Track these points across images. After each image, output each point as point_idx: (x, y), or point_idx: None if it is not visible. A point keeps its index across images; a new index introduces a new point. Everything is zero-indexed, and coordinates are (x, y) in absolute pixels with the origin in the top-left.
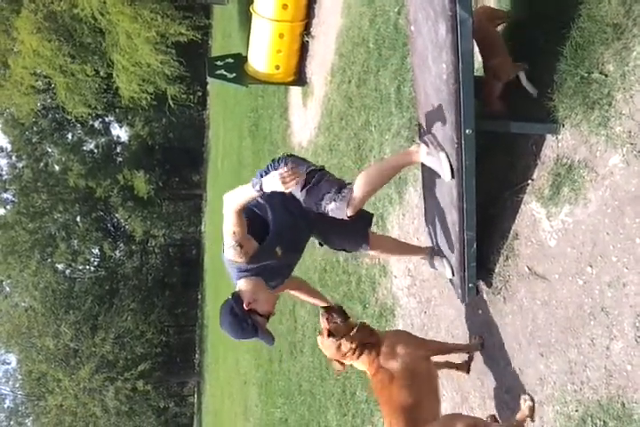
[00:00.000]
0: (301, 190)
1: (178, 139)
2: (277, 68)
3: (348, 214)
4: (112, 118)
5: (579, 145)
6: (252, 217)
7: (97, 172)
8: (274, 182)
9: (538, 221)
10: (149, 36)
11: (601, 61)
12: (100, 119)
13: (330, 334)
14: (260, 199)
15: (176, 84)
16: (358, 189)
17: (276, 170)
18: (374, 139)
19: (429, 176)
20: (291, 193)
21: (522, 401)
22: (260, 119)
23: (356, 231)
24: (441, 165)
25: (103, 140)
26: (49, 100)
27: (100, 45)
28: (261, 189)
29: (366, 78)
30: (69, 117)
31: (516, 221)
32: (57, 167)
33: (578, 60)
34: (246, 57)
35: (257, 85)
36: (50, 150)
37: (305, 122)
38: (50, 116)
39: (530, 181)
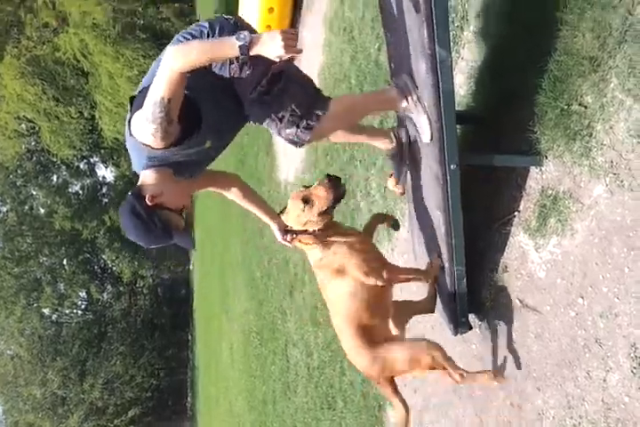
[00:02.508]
0: (257, 95)
1: None
2: None
3: (301, 147)
4: (97, 159)
5: (562, 176)
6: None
7: (83, 213)
8: (271, 44)
9: (526, 253)
10: (131, 76)
11: (579, 93)
12: (85, 160)
13: (305, 200)
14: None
15: None
16: (328, 123)
17: (216, 34)
18: (360, 174)
19: (418, 211)
20: (222, 78)
21: None
22: (245, 156)
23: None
24: (421, 126)
25: (89, 181)
26: (33, 143)
27: (83, 87)
28: (247, 51)
29: None
30: (54, 159)
31: (505, 253)
32: (42, 210)
33: (557, 93)
34: None
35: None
36: (34, 193)
37: (290, 158)
38: (34, 158)
39: (516, 213)
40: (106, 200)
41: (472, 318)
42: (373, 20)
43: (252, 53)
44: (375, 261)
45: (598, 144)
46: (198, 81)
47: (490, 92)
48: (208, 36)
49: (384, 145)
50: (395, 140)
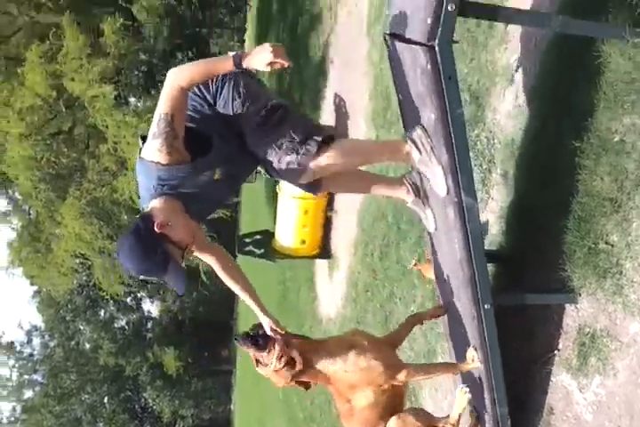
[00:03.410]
0: (256, 124)
1: (208, 313)
2: (303, 242)
3: (303, 181)
4: (144, 294)
5: (598, 313)
6: (187, 127)
7: (127, 349)
8: (261, 54)
9: (570, 394)
10: None
11: (605, 233)
12: (132, 295)
13: (257, 362)
14: (199, 108)
15: None
16: (330, 154)
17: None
18: (400, 311)
19: (457, 348)
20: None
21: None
22: (287, 291)
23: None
24: (435, 176)
25: (134, 316)
26: (84, 279)
27: None
28: (240, 63)
29: (387, 251)
30: (103, 294)
31: (549, 394)
32: (88, 345)
33: (583, 232)
34: (273, 233)
35: (284, 260)
36: (82, 328)
37: (332, 294)
38: (84, 293)
39: (556, 352)
40: (150, 335)
41: None
42: None
43: (244, 63)
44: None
45: (629, 282)
46: (207, 122)
47: (519, 232)
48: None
49: (400, 194)
50: (409, 186)
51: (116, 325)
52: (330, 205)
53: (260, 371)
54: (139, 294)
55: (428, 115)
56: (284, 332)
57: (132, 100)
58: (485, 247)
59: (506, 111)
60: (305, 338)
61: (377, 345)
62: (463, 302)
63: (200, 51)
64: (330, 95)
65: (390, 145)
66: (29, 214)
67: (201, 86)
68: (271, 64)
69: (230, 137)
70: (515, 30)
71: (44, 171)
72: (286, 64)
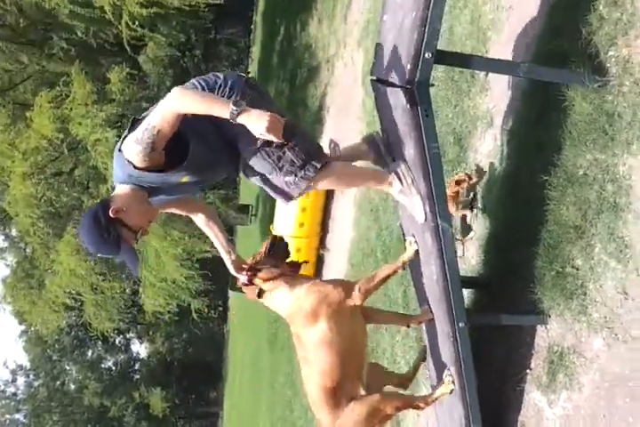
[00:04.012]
0: (258, 146)
1: (197, 354)
2: None
3: (298, 195)
4: (133, 335)
5: (565, 332)
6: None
7: (113, 390)
8: (257, 122)
9: (541, 410)
10: (176, 253)
11: (571, 257)
12: (121, 335)
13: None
14: (195, 118)
15: (200, 298)
16: (325, 178)
17: (223, 90)
18: (386, 341)
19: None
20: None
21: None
22: (279, 329)
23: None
24: (414, 207)
25: (122, 357)
26: (74, 318)
27: None
28: (236, 117)
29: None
30: (92, 334)
31: (522, 411)
32: (73, 386)
33: (552, 258)
34: None
35: None
36: (68, 368)
37: None
38: (73, 333)
39: (528, 371)
40: (137, 376)
41: None
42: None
43: (238, 121)
44: (342, 282)
45: (592, 301)
46: (200, 123)
47: (496, 259)
48: (220, 87)
49: (385, 187)
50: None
51: (103, 365)
52: (322, 243)
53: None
54: (127, 335)
55: (409, 150)
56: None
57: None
58: (466, 274)
59: (486, 151)
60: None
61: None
62: (439, 320)
63: None
64: (326, 140)
65: (376, 174)
66: (25, 251)
67: (206, 90)
68: (262, 135)
69: (215, 146)
70: (494, 79)
71: (43, 209)
72: (275, 140)
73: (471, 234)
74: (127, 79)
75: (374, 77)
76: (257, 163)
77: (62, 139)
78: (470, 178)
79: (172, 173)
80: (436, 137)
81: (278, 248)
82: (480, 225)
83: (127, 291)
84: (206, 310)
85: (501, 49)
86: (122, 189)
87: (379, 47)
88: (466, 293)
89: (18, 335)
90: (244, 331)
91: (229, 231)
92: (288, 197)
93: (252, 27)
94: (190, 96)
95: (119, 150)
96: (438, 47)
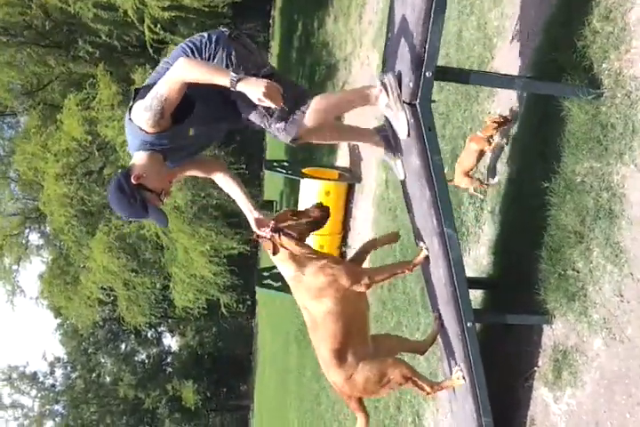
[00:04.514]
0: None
1: (227, 348)
2: None
3: (292, 139)
4: (164, 328)
5: (569, 332)
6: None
7: (146, 382)
8: (255, 89)
9: (548, 406)
10: (204, 250)
11: (572, 260)
12: (153, 329)
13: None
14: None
15: (228, 293)
16: (312, 115)
17: (209, 47)
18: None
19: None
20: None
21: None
22: (304, 325)
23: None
24: (398, 120)
25: (155, 350)
26: (107, 312)
27: (159, 260)
28: (235, 85)
29: (395, 283)
30: (125, 328)
31: (530, 407)
32: (108, 378)
33: (554, 260)
34: None
35: None
36: (103, 361)
37: None
38: (106, 326)
39: (536, 368)
40: (170, 369)
41: None
42: None
43: (237, 88)
44: (353, 270)
45: (592, 303)
46: (195, 87)
47: (504, 261)
48: (206, 45)
49: (372, 143)
50: (382, 137)
51: (136, 358)
52: (344, 241)
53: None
54: (159, 329)
55: (414, 160)
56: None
57: None
58: (477, 275)
59: (494, 156)
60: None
61: (338, 258)
62: (449, 320)
63: None
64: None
65: (360, 91)
66: (60, 248)
67: (195, 54)
68: (260, 101)
69: (217, 102)
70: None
71: (76, 208)
72: (272, 106)
73: (496, 179)
74: None
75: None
76: (250, 113)
77: (91, 140)
78: (507, 120)
79: (178, 127)
80: (438, 149)
81: (313, 222)
82: (490, 227)
83: (158, 286)
84: (235, 305)
85: (506, 56)
86: (138, 157)
87: (384, 63)
88: (477, 293)
89: (54, 329)
90: (272, 325)
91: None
92: (283, 139)
93: (271, 22)
94: (195, 67)
95: (129, 119)
96: (449, 52)
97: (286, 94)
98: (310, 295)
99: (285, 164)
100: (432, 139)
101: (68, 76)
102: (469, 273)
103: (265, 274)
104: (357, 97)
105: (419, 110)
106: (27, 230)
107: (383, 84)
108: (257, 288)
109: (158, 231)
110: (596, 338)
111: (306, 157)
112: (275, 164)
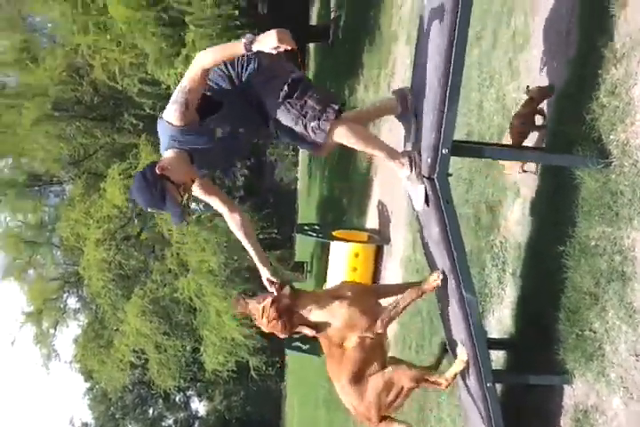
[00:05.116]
0: (281, 99)
1: (255, 412)
2: None
3: (324, 141)
4: (193, 392)
5: (588, 391)
6: (205, 95)
7: None
8: (268, 40)
9: None
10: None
11: (589, 321)
12: (181, 393)
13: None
14: (221, 82)
15: (257, 355)
16: (344, 126)
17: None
18: (432, 398)
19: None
20: (251, 85)
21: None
22: (333, 387)
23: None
24: (416, 193)
25: (182, 414)
26: (137, 375)
27: (191, 323)
28: (250, 47)
29: (422, 344)
30: (153, 392)
31: None
32: None
33: (572, 321)
34: None
35: None
36: (130, 426)
37: None
38: (135, 391)
39: None
40: None
41: None
42: None
43: (253, 48)
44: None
45: (610, 363)
46: (223, 93)
47: (525, 322)
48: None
49: (396, 164)
50: (407, 159)
51: (163, 423)
52: None
53: (260, 325)
54: (187, 393)
55: (434, 228)
56: (279, 281)
57: (192, 206)
58: (501, 336)
59: (515, 219)
60: (298, 291)
61: (359, 295)
62: (470, 381)
63: (257, 159)
64: (374, 202)
65: (391, 149)
66: (96, 312)
67: (227, 63)
68: (277, 48)
69: (244, 106)
70: None
71: (114, 272)
72: (289, 47)
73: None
74: None
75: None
76: (283, 116)
77: (131, 207)
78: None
79: (205, 124)
80: (456, 219)
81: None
82: (512, 289)
83: (188, 349)
84: (264, 368)
85: None
86: (167, 154)
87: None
88: (499, 353)
89: (83, 393)
90: (301, 388)
91: None
92: (317, 146)
93: None
94: (208, 51)
95: (160, 117)
96: (470, 122)
97: (317, 94)
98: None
99: (316, 227)
100: (450, 210)
101: (112, 146)
102: (493, 334)
103: (293, 336)
104: (387, 149)
105: (437, 184)
106: (65, 295)
107: (409, 158)
108: (286, 350)
109: (192, 295)
110: (614, 397)
111: (336, 218)
112: (305, 227)
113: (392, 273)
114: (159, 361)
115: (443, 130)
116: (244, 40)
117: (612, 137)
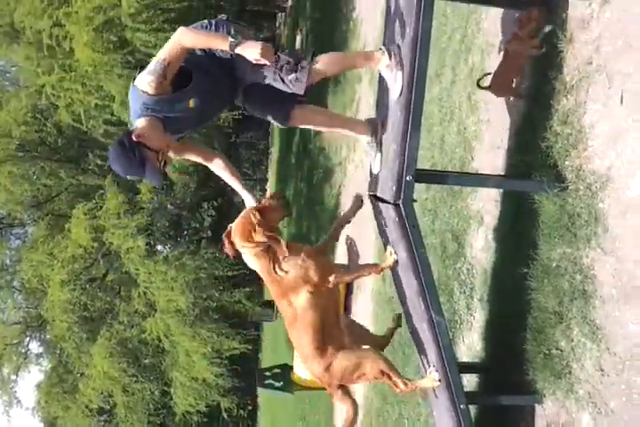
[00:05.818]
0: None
1: None
2: None
3: (306, 85)
4: None
5: (558, 409)
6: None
7: None
8: (252, 50)
9: None
10: (205, 352)
11: (555, 340)
12: None
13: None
14: (197, 52)
15: (229, 396)
16: (320, 65)
17: (210, 29)
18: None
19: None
20: (220, 53)
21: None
22: (308, 426)
23: (281, 103)
24: (395, 81)
25: None
26: (102, 423)
27: (160, 364)
28: (234, 48)
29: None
30: None
31: None
32: None
33: (539, 341)
34: (292, 366)
35: (303, 392)
36: None
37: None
38: None
39: None
40: None
41: None
42: None
43: (236, 51)
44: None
45: (577, 379)
46: (195, 62)
47: (494, 345)
48: (206, 28)
49: (359, 133)
50: (370, 125)
51: None
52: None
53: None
54: None
55: (401, 253)
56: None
57: (159, 247)
58: (469, 360)
59: (480, 246)
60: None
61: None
62: (443, 404)
63: (224, 200)
64: (342, 237)
65: (365, 52)
66: (60, 356)
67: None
68: (257, 60)
69: (217, 75)
70: None
71: (78, 314)
72: (268, 63)
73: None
74: (155, 189)
75: (371, 193)
76: (259, 74)
77: (97, 247)
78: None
79: (179, 95)
80: (422, 243)
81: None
82: (480, 314)
83: (156, 393)
84: (236, 410)
85: (484, 157)
86: (140, 122)
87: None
88: (472, 377)
89: None
90: None
91: (256, 328)
92: (299, 90)
93: (270, 130)
94: (194, 32)
95: (133, 86)
96: (434, 155)
97: (287, 50)
98: (287, 289)
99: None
100: (416, 235)
101: (77, 188)
102: (464, 359)
103: (266, 374)
104: (362, 55)
105: (402, 210)
106: (27, 339)
107: (388, 50)
108: (258, 389)
109: (160, 335)
110: (584, 414)
111: None
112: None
113: (362, 308)
114: (127, 405)
115: (406, 157)
116: (230, 39)
117: (567, 163)
